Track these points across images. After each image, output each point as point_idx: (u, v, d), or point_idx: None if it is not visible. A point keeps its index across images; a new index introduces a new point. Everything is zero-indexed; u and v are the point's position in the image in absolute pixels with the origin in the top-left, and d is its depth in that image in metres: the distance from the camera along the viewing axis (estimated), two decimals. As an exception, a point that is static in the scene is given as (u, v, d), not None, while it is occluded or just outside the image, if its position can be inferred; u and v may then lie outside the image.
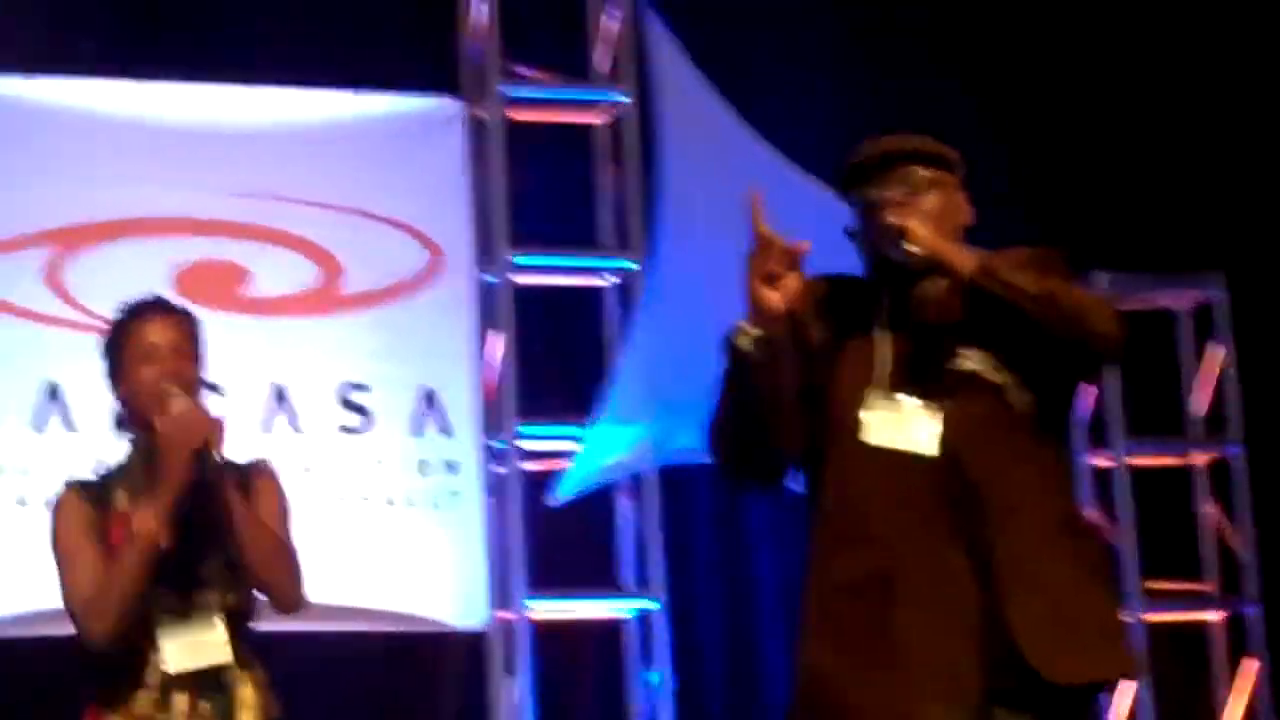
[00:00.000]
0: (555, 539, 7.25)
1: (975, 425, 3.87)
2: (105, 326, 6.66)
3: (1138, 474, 7.77)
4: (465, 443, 7.26)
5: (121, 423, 4.43)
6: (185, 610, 4.30)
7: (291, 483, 4.57)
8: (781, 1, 7.77)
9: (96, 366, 6.63)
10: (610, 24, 7.55)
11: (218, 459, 4.29)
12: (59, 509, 4.38)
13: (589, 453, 7.18)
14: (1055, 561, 3.82)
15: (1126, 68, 7.99)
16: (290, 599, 4.41)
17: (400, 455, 7.04)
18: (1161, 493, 7.54)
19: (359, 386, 7.16)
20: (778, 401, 3.90)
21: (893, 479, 3.84)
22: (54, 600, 6.50)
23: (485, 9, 7.43)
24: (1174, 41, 7.97)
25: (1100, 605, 3.90)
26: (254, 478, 4.47)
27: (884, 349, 3.98)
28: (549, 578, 7.19)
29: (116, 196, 7.04)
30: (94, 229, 7.01)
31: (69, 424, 6.89)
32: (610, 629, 7.33)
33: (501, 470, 7.22)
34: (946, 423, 3.86)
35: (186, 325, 4.47)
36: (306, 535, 4.50)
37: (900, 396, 3.90)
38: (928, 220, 3.94)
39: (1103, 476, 7.80)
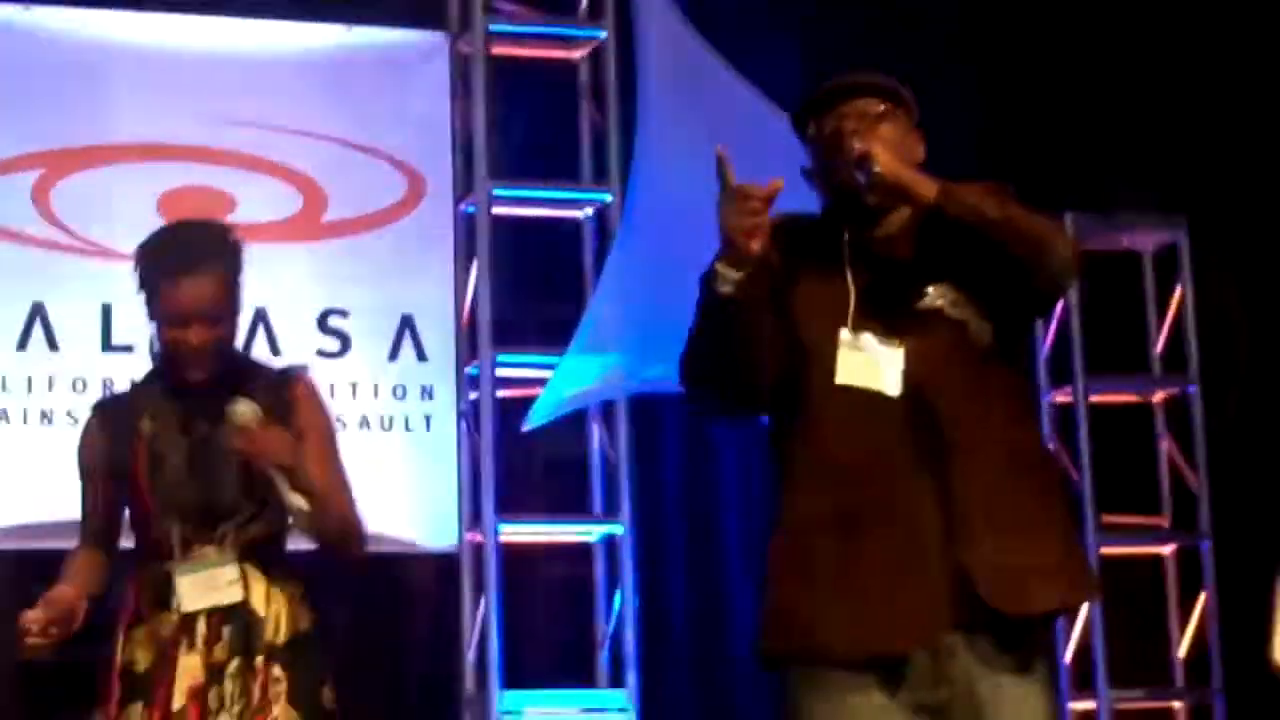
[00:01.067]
0: (526, 464, 7.31)
1: (938, 362, 3.85)
2: (92, 248, 6.82)
3: (1097, 410, 7.74)
4: (441, 369, 7.28)
5: (155, 352, 4.44)
6: (202, 546, 4.28)
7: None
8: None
9: (80, 287, 6.78)
10: None
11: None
12: (82, 434, 4.40)
13: (561, 380, 7.14)
14: (1015, 494, 3.80)
15: (1091, 9, 7.91)
16: (356, 557, 4.46)
17: (377, 380, 7.04)
18: (1120, 429, 7.53)
19: (338, 312, 7.18)
20: (753, 340, 3.87)
21: (859, 417, 3.80)
22: (40, 514, 6.68)
23: None
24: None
25: (1057, 535, 3.88)
26: (292, 397, 4.43)
27: (847, 287, 3.94)
28: (519, 502, 7.23)
29: (105, 122, 7.03)
30: (81, 153, 7.00)
31: (52, 343, 6.92)
32: (578, 552, 7.34)
33: (476, 396, 7.22)
34: (910, 360, 3.85)
35: (228, 275, 4.36)
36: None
37: (865, 336, 3.87)
38: (888, 147, 3.90)
39: (1064, 412, 7.78)
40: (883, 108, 4.02)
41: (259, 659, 4.26)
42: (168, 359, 4.35)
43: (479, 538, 7.14)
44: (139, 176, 7.04)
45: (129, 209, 6.92)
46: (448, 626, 7.19)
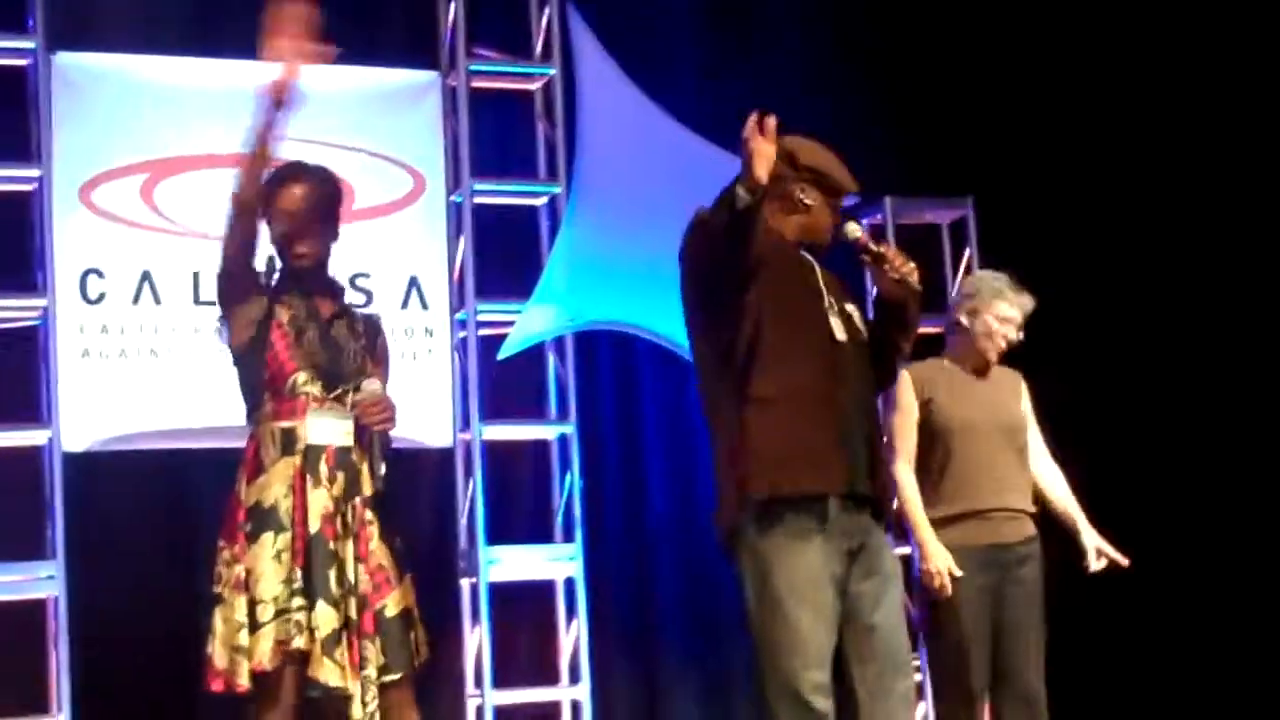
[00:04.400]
0: (502, 382, 7.29)
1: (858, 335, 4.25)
2: (184, 231, 6.86)
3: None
4: (439, 315, 7.26)
5: (278, 268, 4.32)
6: (328, 401, 4.22)
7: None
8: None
9: (176, 259, 6.84)
10: (544, 18, 7.50)
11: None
12: None
13: (525, 322, 7.23)
14: None
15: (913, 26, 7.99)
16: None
17: (392, 324, 6.94)
18: (926, 352, 7.61)
19: (364, 274, 7.08)
20: (750, 239, 3.95)
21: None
22: (150, 425, 6.70)
23: (455, 7, 7.37)
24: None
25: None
26: (380, 330, 4.45)
27: (818, 273, 4.25)
28: (497, 410, 7.24)
29: (191, 138, 6.93)
30: (177, 161, 6.92)
31: (157, 299, 6.87)
32: (540, 446, 7.38)
33: (464, 335, 7.24)
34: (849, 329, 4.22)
35: (326, 187, 4.40)
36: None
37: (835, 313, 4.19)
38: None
39: None
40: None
41: (357, 501, 4.21)
42: (285, 264, 4.31)
43: (468, 437, 7.19)
44: (217, 178, 6.62)
45: (209, 202, 6.71)
46: (447, 501, 7.23)
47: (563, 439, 7.36)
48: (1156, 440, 7.76)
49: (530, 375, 7.40)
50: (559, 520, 7.29)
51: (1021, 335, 5.44)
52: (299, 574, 4.13)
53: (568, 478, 7.30)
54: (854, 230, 4.34)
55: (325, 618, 4.11)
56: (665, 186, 7.41)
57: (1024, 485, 5.39)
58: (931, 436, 5.32)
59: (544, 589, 7.22)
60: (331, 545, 4.14)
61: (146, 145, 6.96)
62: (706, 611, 7.52)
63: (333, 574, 4.14)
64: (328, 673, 4.09)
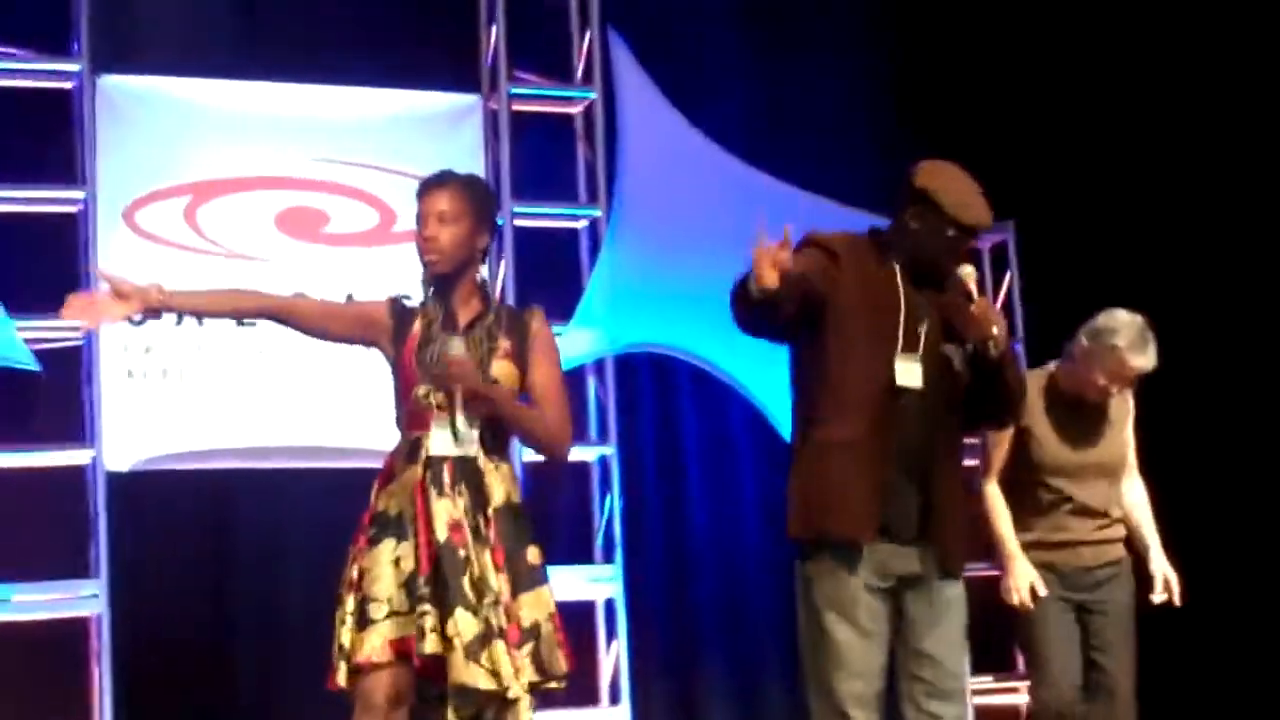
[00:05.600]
0: None
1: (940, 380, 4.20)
2: (227, 253, 6.89)
3: None
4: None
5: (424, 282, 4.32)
6: (453, 410, 4.14)
7: (361, 355, 4.56)
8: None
9: (219, 280, 6.82)
10: (585, 41, 7.52)
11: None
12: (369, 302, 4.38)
13: (565, 345, 6.91)
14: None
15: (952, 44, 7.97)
16: (560, 457, 4.36)
17: None
18: None
19: (405, 296, 7.03)
20: (775, 317, 4.00)
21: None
22: (197, 444, 6.71)
23: (496, 30, 7.39)
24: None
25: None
26: (529, 323, 4.32)
27: (901, 312, 4.19)
28: None
29: (235, 161, 6.99)
30: (220, 184, 6.97)
31: (199, 320, 6.75)
32: (581, 468, 7.34)
33: None
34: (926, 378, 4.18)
35: (465, 192, 4.32)
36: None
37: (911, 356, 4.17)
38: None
39: None
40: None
41: (490, 510, 4.16)
42: (425, 271, 4.30)
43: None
44: (260, 201, 7.04)
45: (253, 224, 7.02)
46: None
47: (603, 461, 7.36)
48: (1204, 462, 7.69)
49: (571, 398, 7.33)
50: (599, 541, 7.28)
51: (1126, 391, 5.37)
52: (421, 582, 4.07)
53: (608, 499, 7.30)
54: (965, 272, 4.29)
55: (466, 624, 4.04)
56: (705, 209, 7.44)
57: (1114, 513, 5.43)
58: (1024, 465, 5.34)
59: (584, 610, 7.17)
60: (462, 553, 4.09)
61: (190, 168, 6.98)
62: (746, 633, 7.52)
63: (466, 582, 4.07)
64: (475, 676, 4.02)
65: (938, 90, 7.98)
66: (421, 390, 4.20)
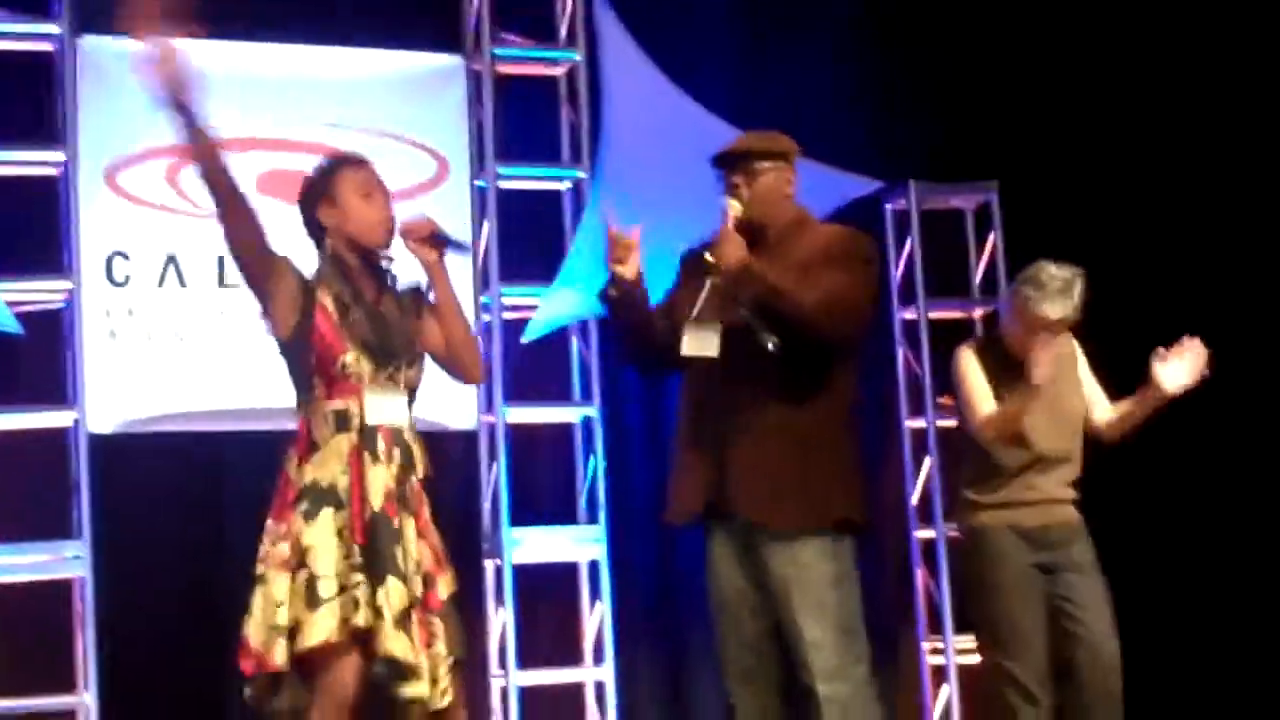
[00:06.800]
0: (526, 365, 7.27)
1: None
2: (209, 214, 6.84)
3: (934, 324, 7.80)
4: (463, 298, 7.00)
5: (319, 240, 4.25)
6: (380, 379, 4.13)
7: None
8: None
9: (201, 242, 6.84)
10: (568, 2, 7.47)
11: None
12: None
13: (549, 305, 7.24)
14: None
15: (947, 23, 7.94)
16: (475, 374, 4.37)
17: None
18: (950, 337, 7.58)
19: (387, 257, 6.96)
20: (638, 324, 4.36)
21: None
22: (172, 408, 6.70)
23: None
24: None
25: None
26: (423, 303, 4.33)
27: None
28: (520, 392, 7.22)
29: (218, 123, 6.70)
30: None
31: (182, 282, 6.86)
32: (564, 429, 7.35)
33: (488, 318, 7.18)
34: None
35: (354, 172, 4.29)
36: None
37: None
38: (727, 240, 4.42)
39: (910, 326, 7.84)
40: (738, 180, 4.38)
41: (414, 479, 4.16)
42: (323, 250, 4.25)
43: (492, 419, 7.17)
44: (242, 162, 6.41)
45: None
46: (471, 483, 7.20)
47: (586, 421, 7.34)
48: (1185, 428, 7.69)
49: (554, 358, 7.39)
50: (583, 502, 7.28)
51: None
52: (358, 551, 4.01)
53: (591, 460, 7.28)
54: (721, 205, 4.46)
55: (397, 593, 3.99)
56: (690, 171, 7.37)
57: (1072, 472, 5.41)
58: None
59: (568, 571, 7.20)
60: (395, 523, 4.05)
61: (169, 130, 6.88)
62: (713, 593, 7.48)
63: (399, 551, 4.03)
64: (397, 645, 3.97)
65: (922, 53, 7.95)
66: (350, 358, 4.13)
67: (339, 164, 4.33)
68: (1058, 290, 5.24)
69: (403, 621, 4.00)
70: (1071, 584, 5.30)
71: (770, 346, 4.27)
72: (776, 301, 4.25)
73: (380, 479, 4.08)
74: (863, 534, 4.53)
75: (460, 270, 7.04)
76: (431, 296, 4.33)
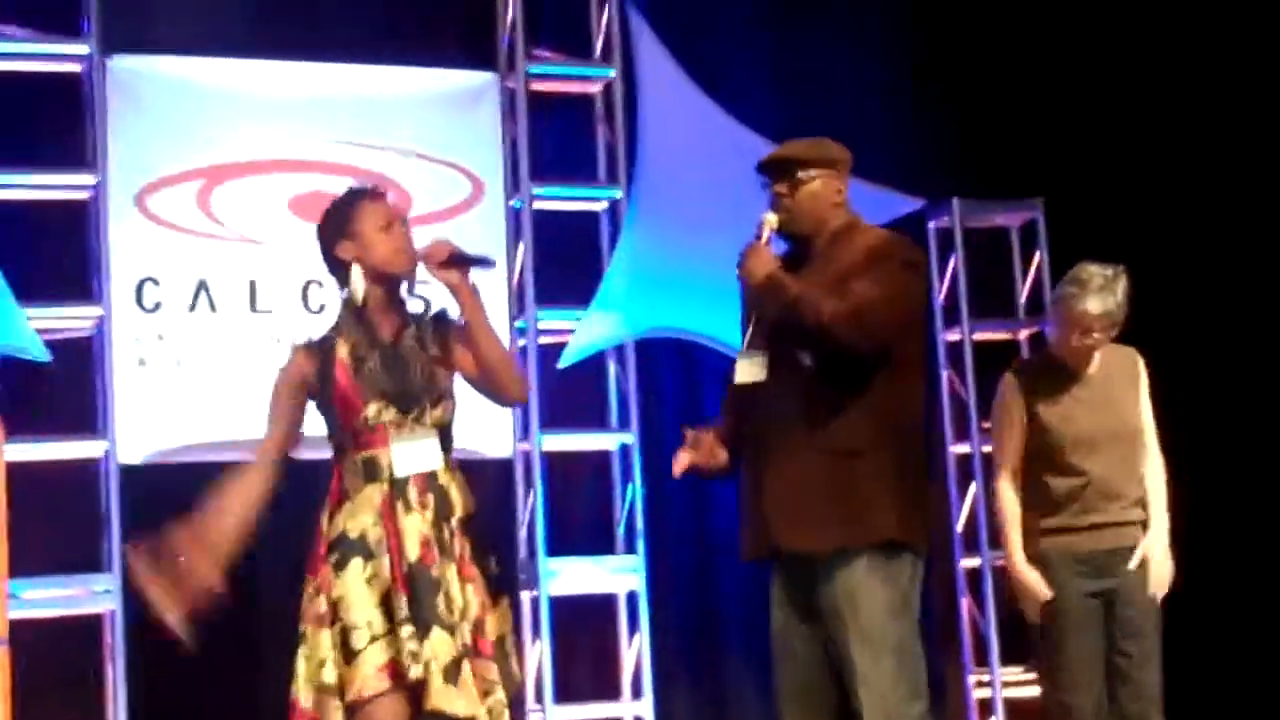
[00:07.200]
0: (562, 391, 7.24)
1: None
2: (241, 238, 6.82)
3: (978, 345, 7.76)
4: (498, 322, 6.95)
5: (341, 277, 4.13)
6: (408, 425, 4.05)
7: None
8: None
9: (233, 267, 6.80)
10: (603, 18, 7.43)
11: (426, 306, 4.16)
12: (282, 368, 4.16)
13: (585, 330, 7.19)
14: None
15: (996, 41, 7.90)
16: (516, 392, 4.21)
17: None
18: (995, 359, 7.55)
19: (422, 281, 6.98)
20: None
21: None
22: (203, 437, 6.64)
23: (513, 7, 7.31)
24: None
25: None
26: (450, 329, 4.20)
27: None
28: (557, 420, 7.19)
29: (247, 145, 6.90)
30: (233, 167, 6.89)
31: (213, 307, 6.82)
32: (601, 456, 7.32)
33: (523, 343, 7.13)
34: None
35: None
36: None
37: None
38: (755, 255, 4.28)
39: (954, 347, 7.79)
40: (782, 189, 4.26)
41: (452, 522, 4.07)
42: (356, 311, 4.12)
43: (528, 447, 7.14)
44: (273, 184, 6.93)
45: (266, 208, 6.92)
46: (507, 512, 7.14)
47: (624, 448, 7.28)
48: (1233, 444, 7.61)
49: (591, 384, 7.35)
50: (620, 532, 7.23)
51: (1101, 337, 5.25)
52: (404, 602, 3.96)
53: (629, 488, 7.23)
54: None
55: (442, 645, 3.94)
56: (728, 190, 7.30)
57: (1133, 492, 5.26)
58: (1040, 452, 5.22)
59: (606, 602, 7.15)
60: (434, 572, 3.99)
61: (202, 151, 6.90)
62: (770, 625, 7.39)
63: (440, 600, 3.97)
64: (453, 701, 3.92)
65: (964, 69, 7.89)
66: (372, 410, 4.08)
67: (356, 197, 4.23)
68: (1099, 287, 5.13)
69: (453, 673, 3.95)
70: (1126, 619, 5.17)
71: (807, 361, 4.14)
72: (795, 313, 4.11)
73: (415, 527, 4.03)
74: (921, 555, 4.31)
75: (494, 293, 7.16)
76: (461, 319, 4.23)
